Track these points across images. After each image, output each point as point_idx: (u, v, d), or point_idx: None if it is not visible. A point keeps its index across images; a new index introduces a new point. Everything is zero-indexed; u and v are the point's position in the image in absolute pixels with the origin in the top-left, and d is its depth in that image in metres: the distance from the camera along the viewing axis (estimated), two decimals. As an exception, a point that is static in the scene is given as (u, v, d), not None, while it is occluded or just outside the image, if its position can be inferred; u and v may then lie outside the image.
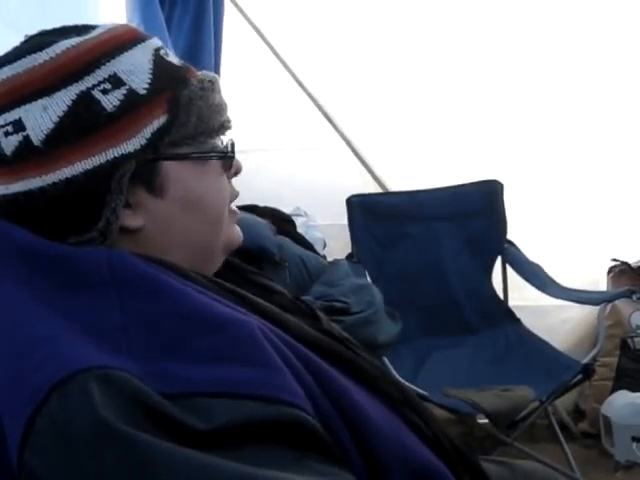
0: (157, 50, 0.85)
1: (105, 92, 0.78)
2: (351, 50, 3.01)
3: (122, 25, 0.87)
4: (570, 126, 2.95)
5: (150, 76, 0.81)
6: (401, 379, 2.20)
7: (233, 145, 0.90)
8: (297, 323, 0.82)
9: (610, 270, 2.99)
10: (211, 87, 0.86)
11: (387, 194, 3.07)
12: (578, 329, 2.93)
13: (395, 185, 3.09)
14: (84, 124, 0.77)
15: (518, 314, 2.81)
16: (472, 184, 2.94)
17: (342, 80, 3.04)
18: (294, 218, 2.72)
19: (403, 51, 2.99)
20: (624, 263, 2.95)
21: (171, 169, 0.83)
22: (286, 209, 2.73)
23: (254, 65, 3.06)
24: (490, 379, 2.47)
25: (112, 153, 0.78)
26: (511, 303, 2.86)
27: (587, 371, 2.41)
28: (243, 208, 2.36)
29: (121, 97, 0.79)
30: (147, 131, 0.80)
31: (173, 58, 0.87)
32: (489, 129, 2.99)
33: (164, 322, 0.69)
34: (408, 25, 2.99)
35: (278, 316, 0.81)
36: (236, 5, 3.04)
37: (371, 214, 2.86)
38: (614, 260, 2.97)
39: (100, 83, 0.79)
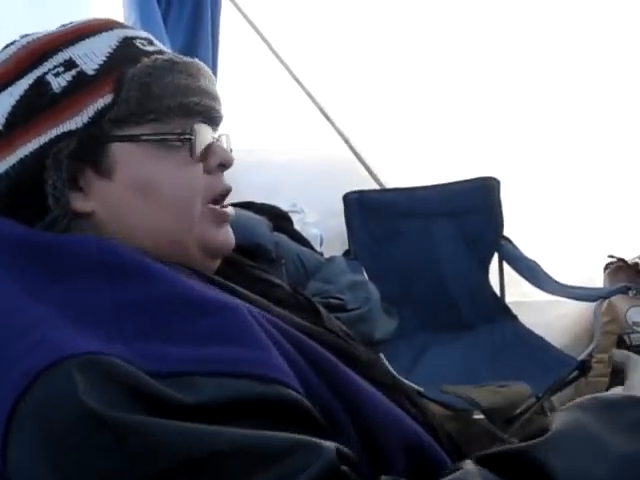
0: (132, 39, 0.85)
1: (57, 75, 0.81)
2: (349, 47, 3.01)
3: (101, 18, 0.88)
4: (567, 123, 2.96)
5: (104, 58, 0.82)
6: (397, 375, 2.21)
7: (199, 130, 0.85)
8: (285, 313, 0.82)
9: (606, 266, 3.00)
10: (169, 66, 0.83)
11: (384, 191, 3.08)
12: (574, 325, 2.94)
13: (392, 182, 3.09)
14: (34, 106, 0.81)
15: (514, 310, 2.82)
16: (469, 181, 2.94)
17: (340, 78, 3.04)
18: (291, 215, 2.72)
19: (400, 48, 2.99)
20: (620, 259, 2.96)
21: (120, 150, 0.81)
22: (283, 206, 2.73)
23: (252, 63, 3.06)
24: (486, 375, 2.48)
25: (55, 132, 0.80)
26: (507, 299, 2.87)
27: (583, 367, 2.41)
28: (240, 205, 2.36)
29: (69, 78, 0.81)
30: (90, 110, 0.80)
31: (152, 47, 0.86)
32: (486, 126, 2.99)
33: (154, 305, 0.69)
34: (405, 22, 2.99)
35: (267, 307, 0.81)
36: (234, 3, 3.03)
37: (368, 211, 2.86)
38: (610, 256, 2.98)
39: (55, 67, 0.81)
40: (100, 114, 0.80)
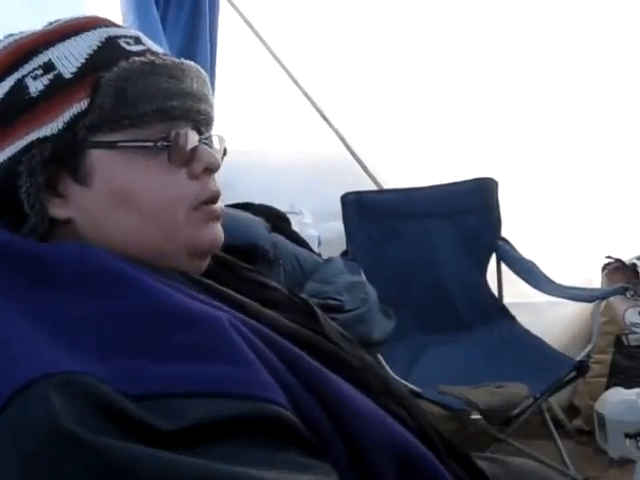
0: (115, 38, 0.83)
1: (35, 78, 0.79)
2: (346, 48, 3.00)
3: (87, 16, 0.86)
4: (564, 124, 2.96)
5: (83, 61, 0.80)
6: (395, 376, 2.22)
7: (178, 135, 0.81)
8: (275, 317, 0.81)
9: (604, 267, 3.00)
10: (148, 69, 0.80)
11: (382, 192, 3.08)
12: (572, 326, 2.94)
13: (390, 183, 3.09)
14: (12, 109, 0.79)
15: (512, 311, 2.82)
16: (467, 181, 2.94)
17: (338, 79, 3.04)
18: (289, 216, 2.72)
19: (398, 50, 2.99)
20: (618, 260, 2.96)
21: (97, 157, 0.79)
22: (281, 207, 2.73)
23: (250, 64, 3.06)
24: (484, 376, 2.48)
25: (31, 137, 0.78)
26: (505, 300, 2.87)
27: (581, 368, 2.42)
28: (238, 206, 2.37)
29: (47, 82, 0.79)
30: (66, 115, 0.78)
31: (138, 47, 0.83)
32: (484, 126, 2.99)
33: (134, 320, 0.68)
34: (403, 23, 2.99)
35: (255, 310, 0.80)
36: (232, 4, 3.03)
37: (366, 212, 2.86)
38: (608, 257, 2.98)
39: (34, 70, 0.80)
40: (75, 120, 0.78)
